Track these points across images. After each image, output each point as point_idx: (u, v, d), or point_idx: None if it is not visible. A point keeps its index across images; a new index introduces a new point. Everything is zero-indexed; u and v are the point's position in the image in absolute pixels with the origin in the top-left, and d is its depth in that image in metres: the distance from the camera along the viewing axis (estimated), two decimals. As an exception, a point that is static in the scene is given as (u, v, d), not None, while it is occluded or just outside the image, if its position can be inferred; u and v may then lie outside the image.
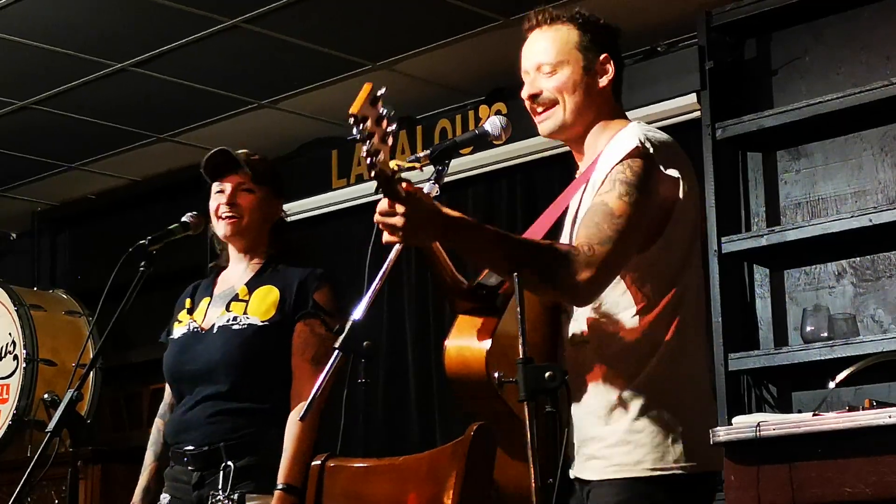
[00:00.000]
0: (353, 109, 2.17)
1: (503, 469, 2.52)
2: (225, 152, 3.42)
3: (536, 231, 2.55)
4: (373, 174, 2.23)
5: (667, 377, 2.45)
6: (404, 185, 2.28)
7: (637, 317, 2.46)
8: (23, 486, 3.13)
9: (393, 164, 2.28)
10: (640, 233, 2.42)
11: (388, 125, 2.23)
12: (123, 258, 3.24)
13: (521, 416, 2.16)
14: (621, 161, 2.43)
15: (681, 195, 2.47)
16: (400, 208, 2.26)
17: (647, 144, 2.45)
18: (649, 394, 2.44)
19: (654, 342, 2.45)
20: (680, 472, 2.42)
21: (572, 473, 2.52)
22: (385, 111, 2.22)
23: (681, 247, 2.50)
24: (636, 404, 2.44)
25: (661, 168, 2.45)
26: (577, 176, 2.63)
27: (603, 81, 2.59)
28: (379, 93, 2.21)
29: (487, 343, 2.45)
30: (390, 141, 2.24)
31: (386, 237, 2.32)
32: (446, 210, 2.33)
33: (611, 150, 2.49)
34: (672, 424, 2.43)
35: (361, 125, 2.18)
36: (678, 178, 2.46)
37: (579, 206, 2.54)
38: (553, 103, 2.59)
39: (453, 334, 2.52)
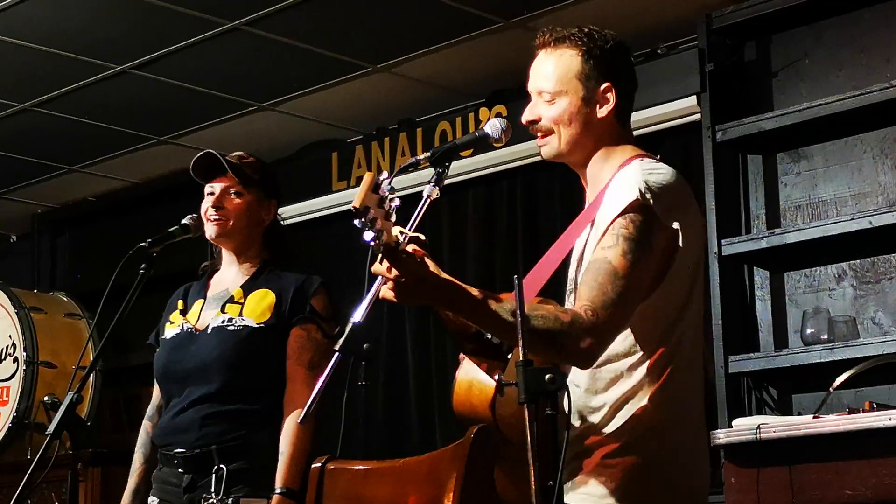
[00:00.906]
0: (356, 203, 2.19)
1: (505, 490, 2.52)
2: (211, 155, 3.42)
3: (543, 270, 2.53)
4: (378, 250, 2.26)
5: (651, 420, 2.45)
6: (409, 249, 2.30)
7: (632, 364, 2.46)
8: (23, 489, 3.13)
9: (396, 231, 2.29)
10: (642, 290, 2.42)
11: (391, 204, 2.24)
12: (124, 260, 3.25)
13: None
14: (623, 213, 2.41)
15: (680, 244, 2.46)
16: (394, 272, 2.28)
17: (648, 196, 2.42)
18: (631, 433, 2.45)
19: (644, 388, 2.46)
20: None
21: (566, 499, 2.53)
22: (387, 191, 2.24)
23: (680, 295, 2.50)
24: (616, 441, 2.45)
25: (662, 220, 2.44)
26: (585, 204, 2.62)
27: (602, 112, 2.57)
28: (381, 179, 2.23)
29: (492, 388, 2.46)
30: (393, 217, 2.26)
31: (383, 292, 2.34)
32: (450, 280, 2.35)
33: (613, 193, 2.48)
34: (647, 463, 2.44)
35: (364, 217, 2.20)
36: (678, 229, 2.45)
37: (585, 245, 2.55)
38: (549, 132, 2.60)
39: (462, 371, 2.53)
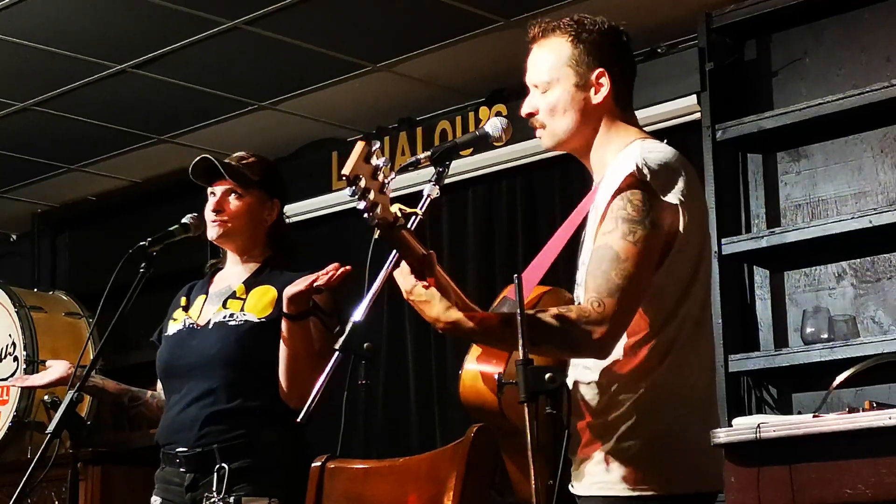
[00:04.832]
0: (346, 171, 2.18)
1: (520, 483, 2.53)
2: (206, 160, 3.42)
3: (545, 258, 2.52)
4: (374, 224, 2.25)
5: (655, 402, 2.44)
6: (423, 284, 2.33)
7: (634, 345, 2.44)
8: (23, 488, 3.13)
9: (394, 208, 2.28)
10: (651, 268, 2.40)
11: (385, 176, 2.23)
12: (124, 260, 3.25)
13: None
14: (620, 193, 2.39)
15: (681, 224, 2.43)
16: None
17: (645, 171, 2.40)
18: (636, 417, 2.43)
19: (647, 369, 2.44)
20: (659, 493, 2.42)
21: (571, 489, 2.52)
22: (380, 162, 2.23)
23: (684, 273, 2.47)
24: (623, 426, 2.44)
25: (661, 196, 2.41)
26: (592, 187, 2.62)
27: (597, 99, 2.55)
28: (373, 149, 2.22)
29: (500, 372, 2.46)
30: (388, 191, 2.25)
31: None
32: (456, 321, 2.36)
33: (613, 172, 2.46)
34: (656, 447, 2.43)
35: (355, 185, 2.19)
36: (677, 205, 2.42)
37: (586, 228, 2.54)
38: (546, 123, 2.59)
39: (469, 361, 2.53)
